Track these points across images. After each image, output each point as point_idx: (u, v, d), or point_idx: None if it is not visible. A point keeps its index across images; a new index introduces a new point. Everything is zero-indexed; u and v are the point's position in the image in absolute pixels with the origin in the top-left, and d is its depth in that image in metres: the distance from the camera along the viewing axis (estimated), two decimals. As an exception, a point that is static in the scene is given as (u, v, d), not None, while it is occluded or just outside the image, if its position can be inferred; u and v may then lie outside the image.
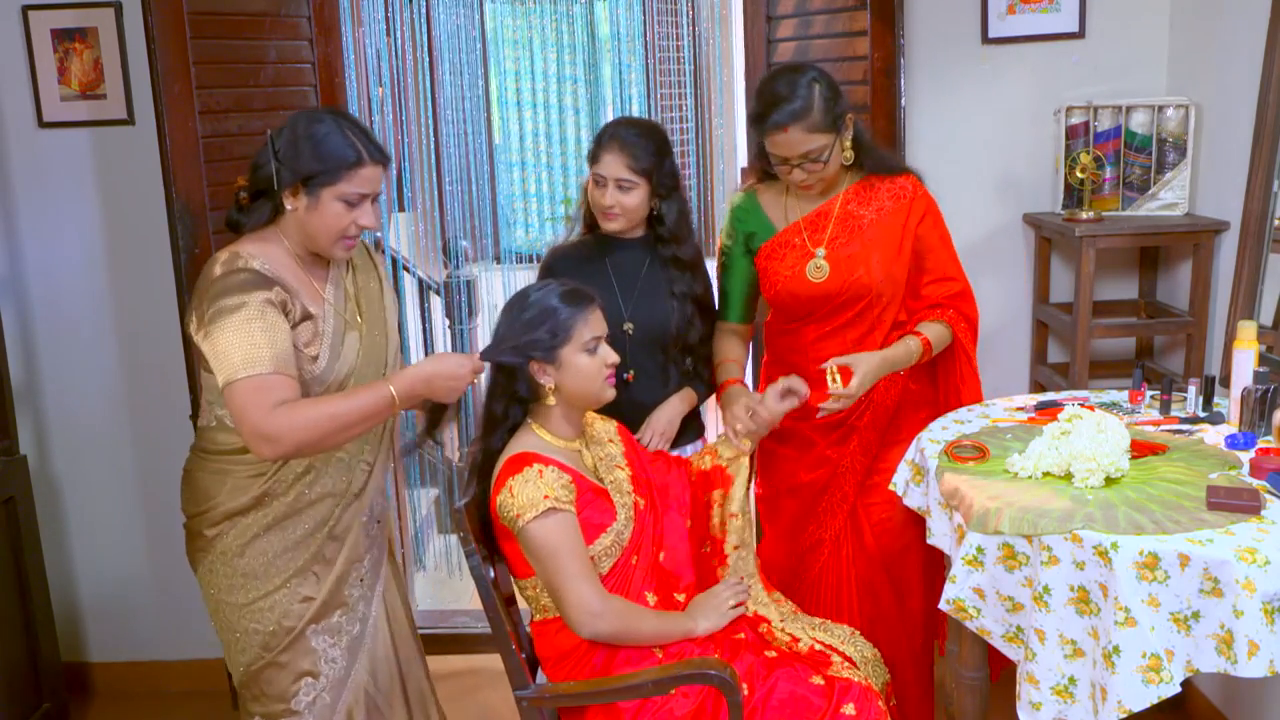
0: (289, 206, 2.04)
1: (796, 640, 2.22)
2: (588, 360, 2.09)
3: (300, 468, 2.10)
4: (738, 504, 2.29)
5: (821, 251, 2.41)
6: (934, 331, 2.43)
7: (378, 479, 2.23)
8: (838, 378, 2.27)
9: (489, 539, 2.17)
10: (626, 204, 2.42)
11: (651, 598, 2.14)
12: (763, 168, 2.49)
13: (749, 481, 2.32)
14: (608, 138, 2.44)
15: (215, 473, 2.10)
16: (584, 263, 2.47)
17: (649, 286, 2.48)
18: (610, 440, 2.26)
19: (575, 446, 2.18)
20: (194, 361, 2.63)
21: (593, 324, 2.11)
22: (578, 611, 2.00)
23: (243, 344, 1.92)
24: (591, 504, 2.08)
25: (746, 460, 2.31)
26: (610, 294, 2.43)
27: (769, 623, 2.26)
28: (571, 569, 2.00)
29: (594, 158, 2.45)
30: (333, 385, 2.07)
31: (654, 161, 2.42)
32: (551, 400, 2.11)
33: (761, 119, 2.34)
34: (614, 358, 2.14)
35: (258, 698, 2.15)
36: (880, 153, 2.49)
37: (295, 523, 2.11)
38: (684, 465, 2.35)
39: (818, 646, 2.19)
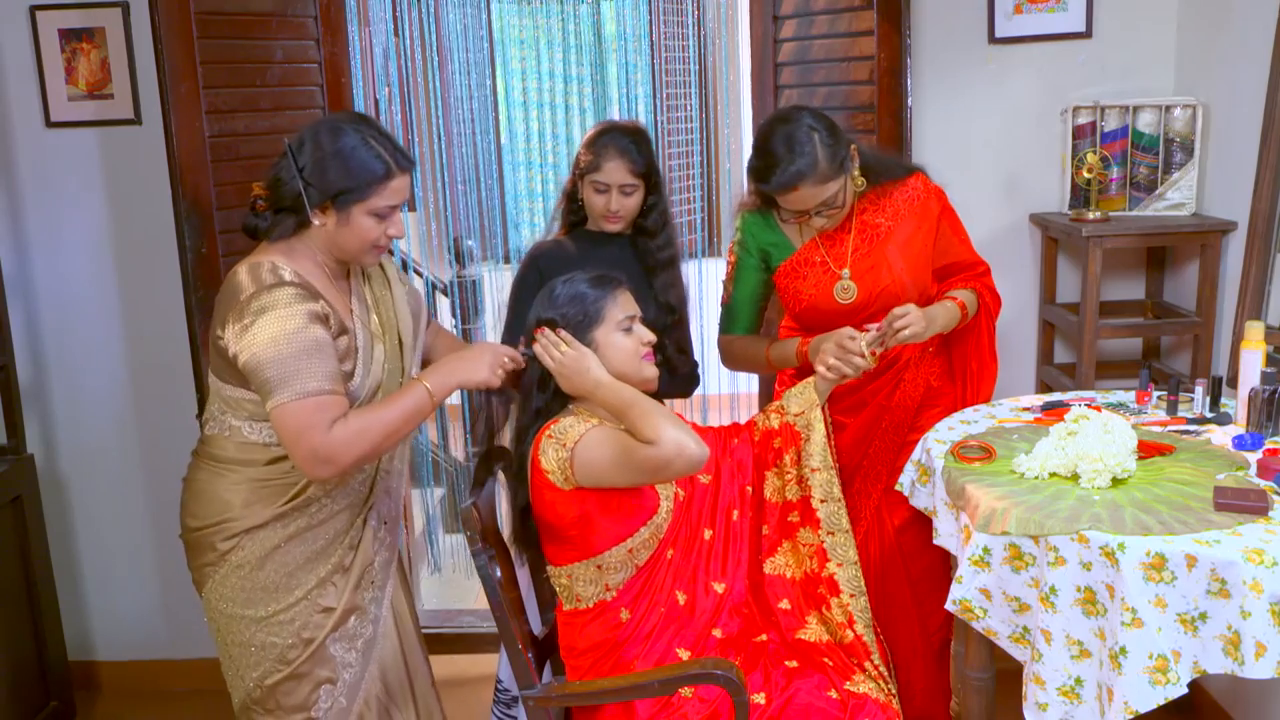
0: (317, 223, 1.99)
1: (849, 624, 2.16)
2: (624, 339, 2.06)
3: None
4: (818, 458, 2.23)
5: (847, 272, 2.40)
6: (964, 295, 2.44)
7: (384, 482, 2.19)
8: (872, 353, 2.24)
9: (518, 537, 2.14)
10: (630, 206, 2.53)
11: (682, 596, 2.11)
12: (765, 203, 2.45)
13: (828, 434, 2.25)
14: (604, 145, 2.50)
15: (233, 484, 2.04)
16: (570, 263, 2.46)
17: (632, 284, 2.49)
18: None
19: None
20: (201, 364, 2.61)
21: (623, 304, 2.08)
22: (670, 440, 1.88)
23: (297, 361, 1.87)
24: (635, 488, 2.04)
25: (819, 413, 2.24)
26: None
27: (838, 595, 2.19)
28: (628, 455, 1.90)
29: (594, 166, 2.49)
30: (364, 401, 2.03)
31: (649, 162, 2.52)
32: None
33: (765, 179, 2.28)
34: (650, 336, 2.10)
35: (273, 710, 2.09)
36: (886, 162, 2.47)
37: (317, 533, 2.07)
38: (744, 429, 2.31)
39: (866, 638, 2.16)
